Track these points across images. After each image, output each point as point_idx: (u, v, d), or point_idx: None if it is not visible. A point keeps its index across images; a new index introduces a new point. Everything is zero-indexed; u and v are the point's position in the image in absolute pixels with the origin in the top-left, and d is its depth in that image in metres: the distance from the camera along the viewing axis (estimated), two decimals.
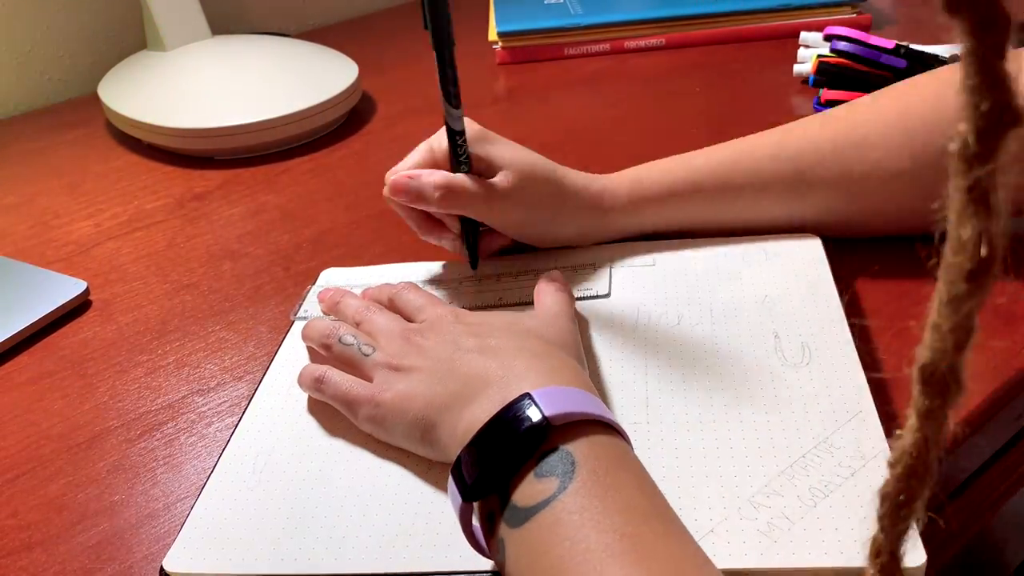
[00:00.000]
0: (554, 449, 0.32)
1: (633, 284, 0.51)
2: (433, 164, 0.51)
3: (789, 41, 0.84)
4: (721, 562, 0.34)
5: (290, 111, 0.74)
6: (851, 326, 0.45)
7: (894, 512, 0.22)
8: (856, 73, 0.71)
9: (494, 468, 0.33)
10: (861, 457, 0.38)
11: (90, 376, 0.51)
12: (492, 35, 0.92)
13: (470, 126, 0.50)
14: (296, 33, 1.05)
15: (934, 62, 0.68)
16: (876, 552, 0.24)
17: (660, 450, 0.40)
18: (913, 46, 0.70)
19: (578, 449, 0.32)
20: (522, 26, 0.90)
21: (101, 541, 0.40)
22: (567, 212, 0.52)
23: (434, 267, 0.56)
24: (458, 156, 0.50)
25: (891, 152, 0.49)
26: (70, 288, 0.57)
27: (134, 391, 0.50)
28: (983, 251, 0.17)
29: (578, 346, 0.43)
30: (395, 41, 1.02)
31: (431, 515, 0.38)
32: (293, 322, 0.52)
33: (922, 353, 0.19)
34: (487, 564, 0.35)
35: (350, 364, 0.44)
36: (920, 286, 0.49)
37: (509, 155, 0.51)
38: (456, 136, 0.49)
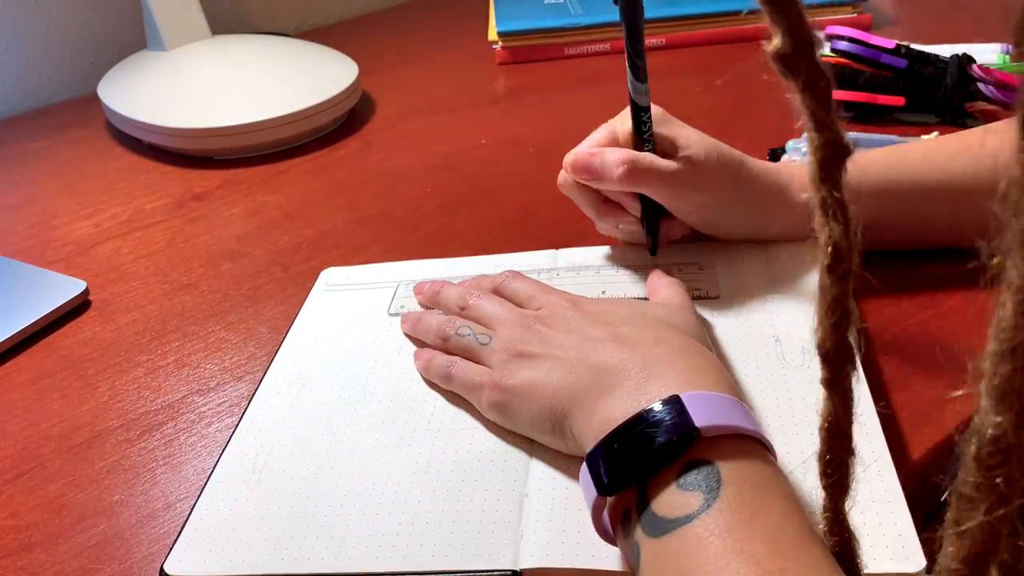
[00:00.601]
0: (699, 461, 0.31)
1: (632, 286, 0.51)
2: (615, 143, 0.49)
3: None
4: None
5: (290, 111, 0.74)
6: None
7: (825, 472, 0.27)
8: (856, 73, 0.71)
9: (634, 468, 0.32)
10: (861, 462, 0.37)
11: (90, 376, 0.51)
12: (492, 35, 0.92)
13: (653, 108, 0.48)
14: (296, 33, 1.05)
15: (935, 62, 0.68)
16: (824, 512, 0.28)
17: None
18: (913, 46, 0.70)
19: (725, 465, 0.31)
20: (522, 26, 0.90)
21: (101, 541, 0.40)
22: (751, 199, 0.50)
23: (439, 265, 0.55)
24: (642, 133, 0.47)
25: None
26: (69, 288, 0.57)
27: (134, 391, 0.50)
28: (832, 251, 0.23)
29: (706, 339, 0.42)
30: (395, 41, 1.02)
31: (431, 514, 0.38)
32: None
33: (815, 336, 0.25)
34: (486, 564, 0.35)
35: (469, 355, 0.43)
36: (919, 291, 0.49)
37: (694, 136, 0.49)
38: (641, 112, 0.47)
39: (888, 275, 0.51)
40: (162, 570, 0.37)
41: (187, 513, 0.40)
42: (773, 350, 0.44)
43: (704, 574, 0.28)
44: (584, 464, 0.34)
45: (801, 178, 0.50)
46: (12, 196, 0.74)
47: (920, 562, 0.32)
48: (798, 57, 0.22)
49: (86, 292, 0.58)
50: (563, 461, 0.39)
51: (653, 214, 0.50)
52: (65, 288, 0.57)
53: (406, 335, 0.49)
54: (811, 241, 0.54)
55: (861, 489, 0.36)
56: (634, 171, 0.46)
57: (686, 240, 0.53)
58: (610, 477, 0.32)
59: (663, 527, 0.30)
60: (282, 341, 0.51)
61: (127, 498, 0.42)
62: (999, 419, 0.19)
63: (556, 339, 0.41)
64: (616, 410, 0.35)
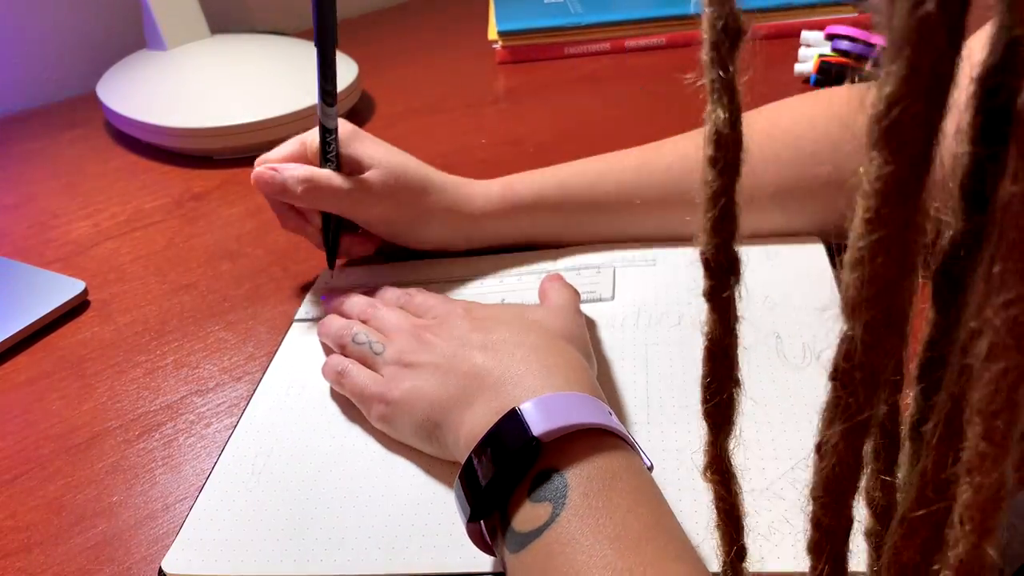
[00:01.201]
0: (548, 470, 0.32)
1: (634, 283, 0.51)
2: (303, 158, 0.52)
3: (790, 40, 0.83)
4: (721, 565, 0.34)
5: (290, 111, 0.74)
6: None
7: (705, 398, 0.25)
8: (857, 72, 0.71)
9: (490, 489, 0.33)
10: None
11: (88, 376, 0.51)
12: (492, 34, 0.92)
13: (343, 125, 0.52)
14: (296, 33, 1.04)
15: None
16: (705, 446, 0.26)
17: (660, 451, 0.40)
18: None
19: (571, 470, 0.32)
20: (522, 25, 0.90)
21: (100, 542, 0.40)
22: (434, 212, 0.53)
23: (433, 267, 0.55)
24: (326, 153, 0.51)
25: (756, 170, 0.49)
26: (68, 288, 0.57)
27: (133, 392, 0.50)
28: (715, 139, 0.21)
29: (585, 339, 0.43)
30: (395, 41, 1.02)
31: (430, 516, 0.38)
32: (292, 323, 0.52)
33: (698, 240, 0.23)
34: (486, 565, 0.35)
35: (364, 362, 0.44)
36: (919, 290, 0.49)
37: (379, 154, 0.52)
38: (327, 133, 0.51)
39: None
40: (160, 569, 0.37)
41: (186, 514, 0.39)
42: (773, 348, 0.44)
43: None
44: (456, 484, 0.35)
45: (487, 193, 0.54)
46: (11, 196, 0.74)
47: None
48: None
49: (85, 292, 0.58)
50: None
51: (333, 228, 0.53)
52: (64, 288, 0.57)
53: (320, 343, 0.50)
54: (811, 241, 0.53)
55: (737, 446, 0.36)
56: (313, 189, 0.50)
57: (369, 253, 0.56)
58: (473, 506, 0.33)
59: (520, 542, 0.31)
60: (281, 342, 0.51)
61: (126, 499, 0.42)
62: (849, 332, 0.19)
63: (438, 347, 0.41)
64: (476, 424, 0.36)
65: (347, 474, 0.41)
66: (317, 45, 0.49)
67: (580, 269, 0.53)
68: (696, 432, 0.40)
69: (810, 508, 0.22)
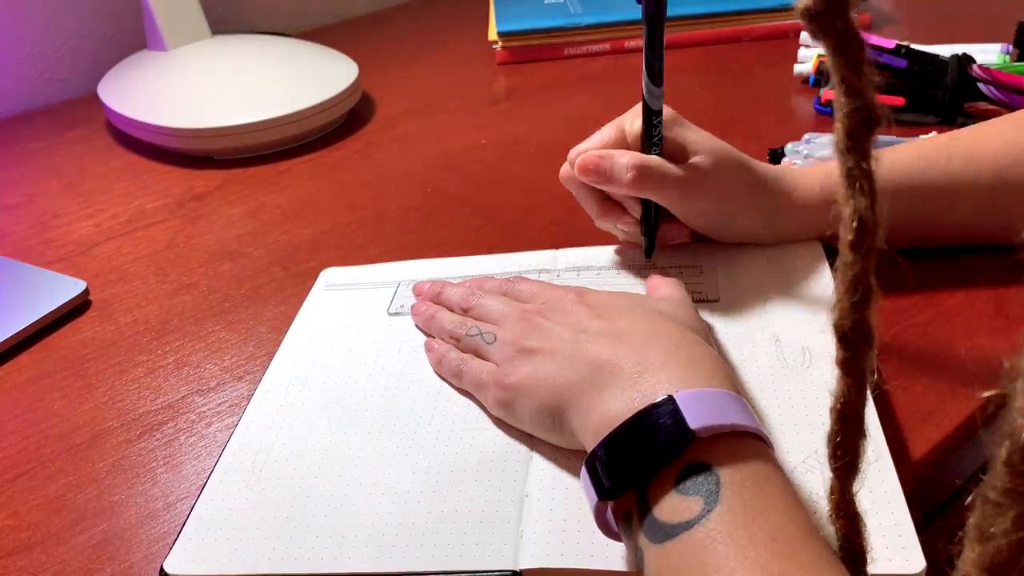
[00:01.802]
0: (698, 464, 0.31)
1: (632, 288, 0.51)
2: (623, 144, 0.49)
3: (789, 41, 0.84)
4: None
5: (290, 111, 0.74)
6: None
7: (835, 454, 0.26)
8: None
9: (632, 473, 0.32)
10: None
11: (90, 376, 0.51)
12: (492, 35, 0.92)
13: (665, 110, 0.48)
14: (296, 33, 1.05)
15: (935, 62, 0.68)
16: (830, 494, 0.27)
17: None
18: (913, 46, 0.70)
19: (723, 468, 0.31)
20: (522, 26, 0.90)
21: (101, 541, 0.40)
22: (758, 204, 0.49)
23: (439, 264, 0.55)
24: (652, 137, 0.47)
25: (954, 196, 0.48)
26: (70, 288, 0.57)
27: (134, 391, 0.50)
28: (858, 225, 0.22)
29: (707, 334, 0.42)
30: (395, 41, 1.02)
31: (431, 514, 0.38)
32: (392, 316, 0.51)
33: (833, 315, 0.24)
34: (486, 564, 0.35)
35: (477, 353, 0.44)
36: (919, 290, 0.49)
37: (704, 141, 0.48)
38: (653, 116, 0.47)
39: (888, 274, 0.51)
40: (162, 569, 0.37)
41: (187, 513, 0.40)
42: (774, 351, 0.44)
43: None
44: (584, 467, 0.34)
45: (806, 183, 0.50)
46: (12, 196, 0.74)
47: (920, 563, 0.32)
48: (830, 15, 0.21)
49: (86, 292, 0.58)
50: (563, 461, 0.39)
51: (653, 217, 0.50)
52: (65, 288, 0.57)
53: (417, 327, 0.50)
54: (811, 242, 0.54)
55: (861, 488, 0.36)
56: (644, 176, 0.46)
57: (683, 244, 0.53)
58: (610, 482, 0.32)
59: (665, 532, 0.30)
60: (282, 340, 0.51)
61: (127, 498, 0.42)
62: None
63: (555, 332, 0.41)
64: (611, 408, 0.35)
65: (348, 473, 0.41)
66: (645, 18, 0.44)
67: (682, 268, 0.51)
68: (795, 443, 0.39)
69: None
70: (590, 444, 0.35)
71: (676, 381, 0.34)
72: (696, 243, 0.53)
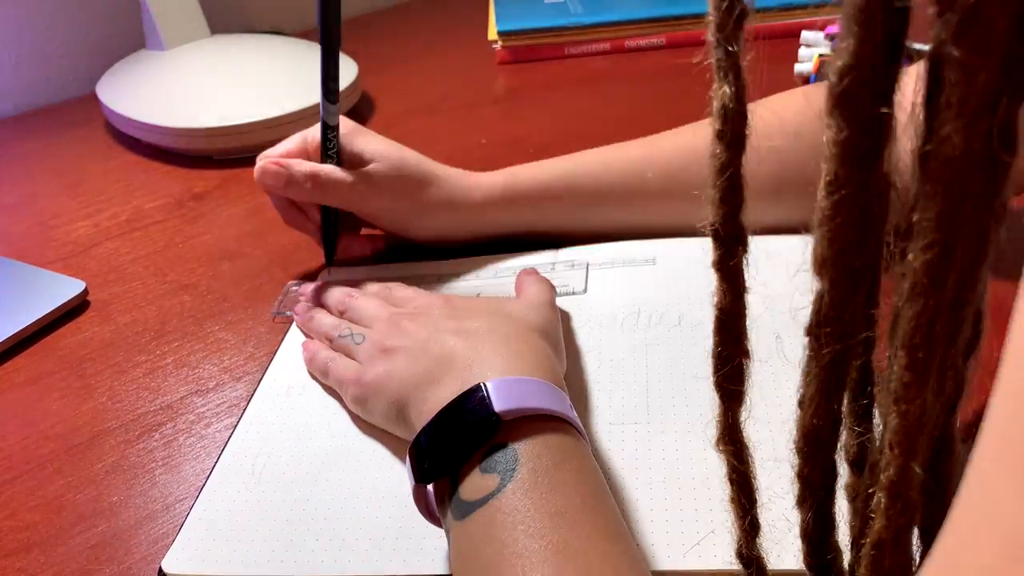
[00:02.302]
0: (500, 444, 0.33)
1: (634, 282, 0.51)
2: (304, 154, 0.54)
3: (790, 40, 0.83)
4: (722, 563, 0.34)
5: (290, 111, 0.74)
6: None
7: (717, 367, 0.26)
8: None
9: (444, 455, 0.34)
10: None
11: (89, 376, 0.51)
12: (492, 34, 0.92)
13: (344, 123, 0.53)
14: (295, 33, 1.04)
15: None
16: (717, 418, 0.26)
17: (660, 451, 0.40)
18: (914, 46, 0.70)
19: (523, 445, 0.33)
20: (522, 25, 0.90)
21: (100, 542, 0.40)
22: (436, 204, 0.54)
23: (426, 265, 0.55)
24: (327, 149, 0.52)
25: (755, 163, 0.49)
26: (68, 288, 0.57)
27: (133, 392, 0.50)
28: (722, 114, 0.22)
29: (558, 334, 0.44)
30: (395, 41, 1.02)
31: None
32: (273, 318, 0.53)
33: (706, 212, 0.24)
34: None
35: (347, 354, 0.45)
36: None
37: (380, 148, 0.53)
38: (329, 130, 0.52)
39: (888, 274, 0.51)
40: (160, 569, 0.37)
41: (186, 513, 0.40)
42: (774, 347, 0.44)
43: (492, 551, 0.30)
44: (407, 453, 0.35)
45: (490, 182, 0.55)
46: (11, 196, 0.74)
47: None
48: None
49: (85, 292, 0.58)
50: None
51: (333, 226, 0.54)
52: (64, 288, 0.57)
53: (298, 327, 0.51)
54: (810, 236, 0.54)
55: None
56: (316, 183, 0.51)
57: (366, 255, 0.57)
58: (425, 466, 0.34)
59: (466, 509, 0.32)
60: (281, 342, 0.51)
61: (126, 499, 0.42)
62: (819, 289, 0.21)
63: (413, 332, 0.42)
64: (441, 400, 0.36)
65: (347, 474, 0.41)
66: (322, 42, 0.50)
67: (555, 264, 0.53)
68: (696, 432, 0.40)
69: (794, 462, 0.23)
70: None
71: (497, 372, 0.36)
72: (691, 239, 0.53)
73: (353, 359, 0.44)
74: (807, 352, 0.21)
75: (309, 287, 0.53)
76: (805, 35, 0.81)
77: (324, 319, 0.49)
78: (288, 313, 0.53)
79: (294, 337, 0.51)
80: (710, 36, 0.22)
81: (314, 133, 0.53)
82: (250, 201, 0.69)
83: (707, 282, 0.49)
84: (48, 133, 0.85)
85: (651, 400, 0.43)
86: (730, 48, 0.22)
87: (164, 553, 0.38)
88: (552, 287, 0.47)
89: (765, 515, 0.36)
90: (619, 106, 0.79)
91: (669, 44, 0.90)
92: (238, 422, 0.45)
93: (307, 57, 0.85)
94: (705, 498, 0.37)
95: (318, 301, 0.51)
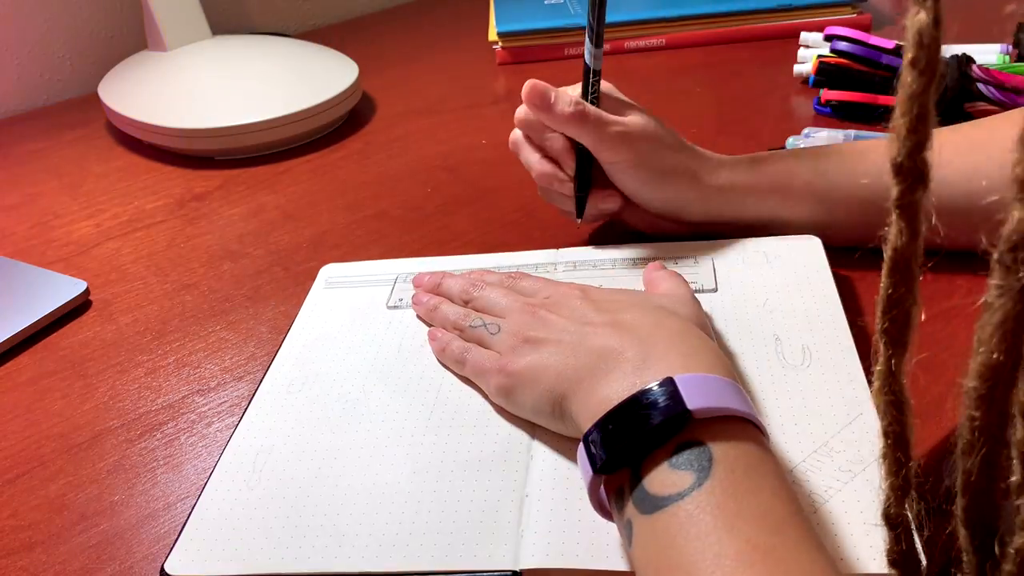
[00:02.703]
0: (692, 442, 0.32)
1: (632, 285, 0.51)
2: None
3: (789, 41, 0.84)
4: None
5: (290, 111, 0.74)
6: (851, 328, 0.45)
7: (886, 311, 0.24)
8: (856, 73, 0.71)
9: (628, 448, 0.33)
10: (860, 461, 0.37)
11: (90, 376, 0.51)
12: (492, 35, 0.92)
13: (606, 84, 0.53)
14: (296, 33, 1.05)
15: None
16: (878, 366, 0.24)
17: None
18: None
19: (716, 446, 0.32)
20: (522, 26, 0.90)
21: (101, 541, 0.40)
22: (683, 171, 0.52)
23: (439, 262, 0.55)
24: (589, 92, 0.52)
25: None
26: (70, 288, 0.57)
27: (134, 391, 0.50)
28: (917, 38, 0.21)
29: (709, 328, 0.43)
30: (395, 41, 1.02)
31: (431, 514, 0.38)
32: (390, 309, 0.52)
33: (890, 148, 0.22)
34: (486, 564, 0.35)
35: (480, 343, 0.45)
36: (920, 290, 0.49)
37: (637, 108, 0.53)
38: (592, 74, 0.51)
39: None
40: (162, 570, 0.37)
41: (187, 513, 0.40)
42: (773, 349, 0.44)
43: (693, 549, 0.29)
44: (581, 444, 0.35)
45: (734, 164, 0.53)
46: (12, 196, 0.74)
47: (920, 561, 0.32)
48: None
49: (87, 292, 0.58)
50: (563, 461, 0.39)
51: (585, 176, 0.53)
52: (66, 288, 0.57)
53: (419, 318, 0.50)
54: (811, 239, 0.54)
55: (861, 487, 0.36)
56: (581, 113, 0.50)
57: (615, 216, 0.55)
58: (606, 456, 0.33)
59: (654, 504, 0.31)
60: (283, 340, 0.51)
61: (127, 498, 0.42)
62: (1019, 212, 0.19)
63: (559, 324, 0.41)
64: (613, 392, 0.35)
65: (348, 472, 0.41)
66: None
67: (678, 259, 0.52)
68: (793, 434, 0.39)
69: (964, 408, 0.21)
70: (588, 426, 0.35)
71: (677, 367, 0.35)
72: (687, 241, 0.53)
73: (488, 348, 0.44)
74: (994, 281, 0.20)
75: (424, 276, 0.52)
76: (804, 36, 0.81)
77: (450, 309, 0.48)
78: (403, 306, 0.51)
79: (296, 335, 0.51)
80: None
81: (573, 88, 0.53)
82: (251, 201, 0.69)
83: (708, 282, 0.49)
84: (50, 133, 0.85)
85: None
86: None
87: (166, 552, 0.38)
88: (686, 281, 0.46)
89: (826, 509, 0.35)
90: None
91: (669, 44, 0.90)
92: (239, 420, 0.45)
93: (308, 58, 0.85)
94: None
95: (438, 291, 0.50)
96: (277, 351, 0.50)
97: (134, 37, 0.94)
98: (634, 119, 0.51)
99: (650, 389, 0.34)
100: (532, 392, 0.40)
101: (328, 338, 0.50)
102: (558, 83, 0.85)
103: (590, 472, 0.34)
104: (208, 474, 0.42)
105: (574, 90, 0.53)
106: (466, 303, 0.48)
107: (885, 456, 0.25)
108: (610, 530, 0.35)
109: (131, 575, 0.39)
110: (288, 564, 0.37)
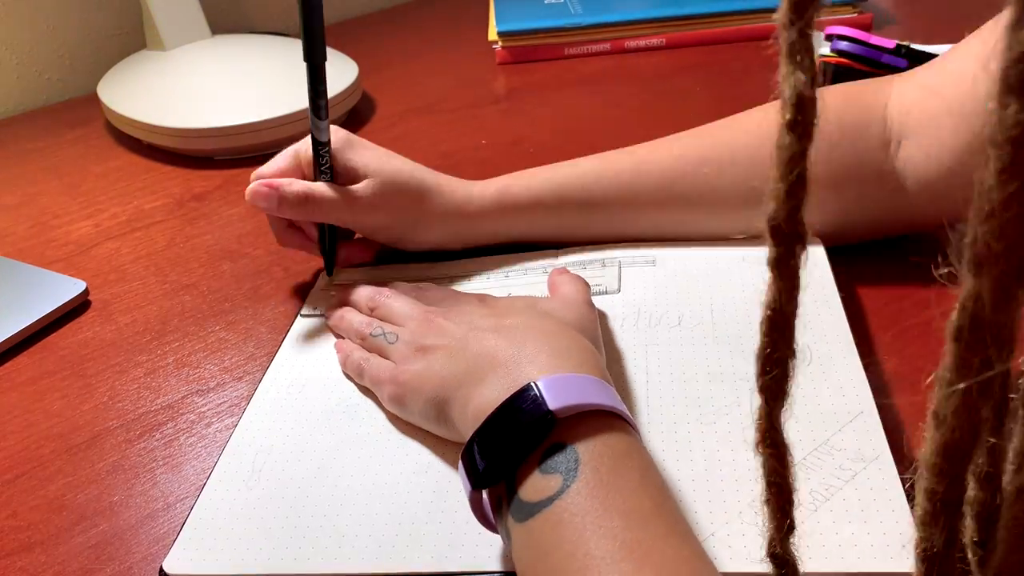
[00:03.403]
0: (560, 444, 0.32)
1: (633, 283, 0.51)
2: (298, 169, 0.53)
3: None
4: (722, 566, 0.34)
5: (290, 111, 0.74)
6: (852, 328, 0.45)
7: (764, 370, 0.24)
8: (857, 73, 0.71)
9: (500, 459, 0.33)
10: (861, 459, 0.37)
11: (89, 376, 0.51)
12: (492, 35, 0.92)
13: (336, 133, 0.52)
14: (296, 34, 1.04)
15: None
16: (758, 419, 0.25)
17: (660, 452, 0.40)
18: (913, 45, 0.70)
19: (583, 445, 0.32)
20: (522, 26, 0.90)
21: (100, 541, 0.40)
22: (430, 216, 0.53)
23: (432, 268, 0.56)
24: (320, 166, 0.51)
25: (751, 171, 0.50)
26: (69, 288, 0.57)
27: (133, 391, 0.50)
28: (796, 102, 0.20)
29: (596, 330, 0.44)
30: (395, 41, 1.02)
31: (431, 514, 0.38)
32: (296, 319, 0.52)
33: (767, 207, 0.22)
34: (488, 564, 0.35)
35: (380, 352, 0.45)
36: (920, 289, 0.49)
37: (373, 162, 0.52)
38: (320, 147, 0.51)
39: (891, 275, 0.51)
40: (162, 570, 0.37)
41: (187, 513, 0.40)
42: None
43: (563, 553, 0.30)
44: (460, 459, 0.35)
45: (482, 192, 0.54)
46: (12, 196, 0.74)
47: None
48: None
49: (86, 292, 0.58)
50: None
51: (328, 239, 0.54)
52: (65, 288, 0.57)
53: (328, 327, 0.51)
54: (810, 239, 0.54)
55: (861, 486, 0.36)
56: (309, 203, 0.50)
57: (367, 260, 0.57)
58: (481, 471, 0.34)
59: (527, 511, 0.32)
60: (282, 341, 0.51)
61: (127, 498, 0.42)
62: (975, 290, 0.19)
63: (448, 330, 0.42)
64: (487, 398, 0.36)
65: (347, 473, 0.41)
66: (306, 59, 0.49)
67: (586, 263, 0.53)
68: (696, 436, 0.40)
69: (923, 480, 0.21)
70: (468, 433, 0.36)
71: (544, 369, 0.36)
72: (692, 242, 0.53)
73: (387, 358, 0.44)
74: (951, 359, 0.20)
75: (340, 287, 0.52)
76: None
77: (355, 318, 0.49)
78: (319, 312, 0.52)
79: (296, 335, 0.51)
80: (781, 16, 0.20)
81: (306, 147, 0.52)
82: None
83: (706, 283, 0.50)
84: (49, 133, 0.85)
85: (651, 400, 0.43)
86: (805, 31, 0.20)
87: (165, 552, 0.38)
88: (587, 285, 0.47)
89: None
90: (619, 106, 0.79)
91: (669, 44, 0.90)
92: (239, 420, 0.45)
93: None
94: (705, 500, 0.37)
95: (348, 300, 0.51)
96: (277, 351, 0.50)
97: (134, 37, 0.94)
98: (369, 184, 0.52)
99: (516, 395, 0.34)
100: (418, 400, 0.41)
101: (328, 339, 0.50)
102: (558, 83, 0.85)
103: (468, 488, 0.34)
104: (207, 474, 0.42)
105: (305, 150, 0.53)
106: (371, 311, 0.48)
107: (768, 503, 0.25)
108: None
109: (130, 575, 0.38)
110: (287, 564, 0.36)
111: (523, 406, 0.34)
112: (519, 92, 0.85)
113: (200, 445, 0.45)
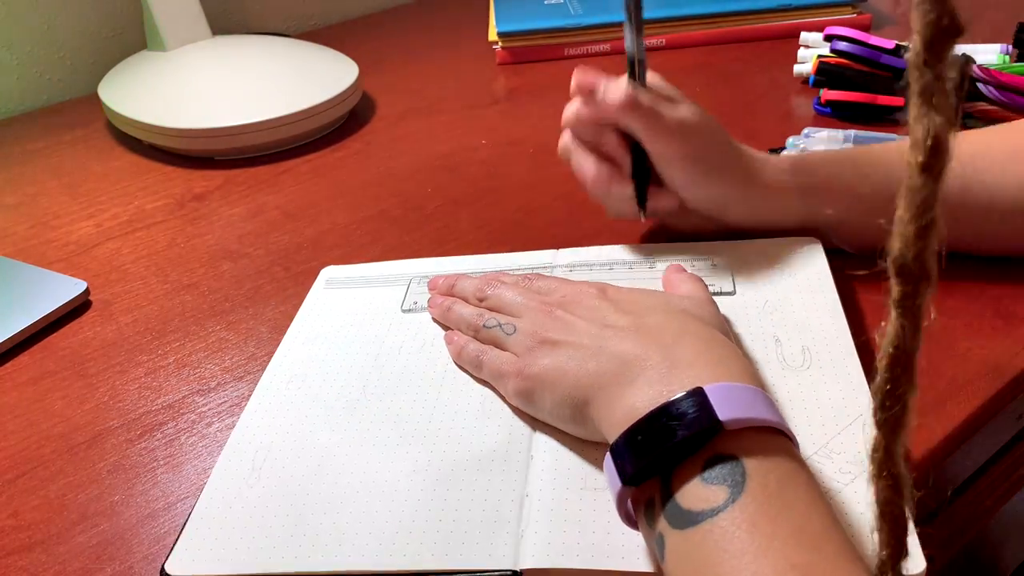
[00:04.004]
0: (724, 455, 0.32)
1: (634, 284, 0.51)
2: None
3: (789, 41, 0.84)
4: None
5: (290, 111, 0.74)
6: (852, 330, 0.45)
7: (884, 405, 0.24)
8: (856, 73, 0.71)
9: (657, 460, 0.32)
10: (860, 462, 0.37)
11: (90, 376, 0.51)
12: (492, 35, 0.92)
13: (653, 74, 0.51)
14: (296, 33, 1.05)
15: None
16: (874, 451, 0.25)
17: None
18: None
19: (749, 459, 0.31)
20: (522, 26, 0.90)
21: (101, 541, 0.40)
22: (734, 165, 0.50)
23: (440, 263, 0.55)
24: (637, 81, 0.49)
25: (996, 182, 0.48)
26: (70, 288, 0.57)
27: (134, 391, 0.50)
28: (932, 145, 0.20)
29: (730, 333, 0.42)
30: (395, 41, 1.02)
31: (431, 513, 0.38)
32: (405, 313, 0.51)
33: (892, 246, 0.22)
34: (486, 564, 0.35)
35: (495, 344, 0.44)
36: None
37: (688, 101, 0.50)
38: (637, 64, 0.50)
39: (886, 275, 0.51)
40: (163, 570, 0.37)
41: (188, 513, 0.40)
42: (773, 350, 0.44)
43: (731, 568, 0.29)
44: (608, 454, 0.34)
45: (777, 164, 0.51)
46: (13, 196, 0.74)
47: (920, 563, 0.32)
48: None
49: (87, 292, 0.58)
50: (563, 460, 0.39)
51: (643, 168, 0.51)
52: (66, 288, 0.57)
53: (434, 320, 0.50)
54: (810, 241, 0.54)
55: (861, 489, 0.36)
56: (634, 101, 0.48)
57: (670, 215, 0.53)
58: (634, 468, 0.33)
59: (688, 520, 0.31)
60: (282, 340, 0.51)
61: (128, 498, 0.42)
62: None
63: (578, 326, 0.41)
64: (639, 401, 0.35)
65: (348, 471, 0.41)
66: None
67: (693, 261, 0.51)
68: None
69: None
70: (614, 435, 0.35)
71: (705, 377, 0.35)
72: (691, 242, 0.53)
73: (505, 350, 0.43)
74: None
75: (439, 279, 0.51)
76: (804, 36, 0.81)
77: (464, 309, 0.47)
78: (418, 309, 0.51)
79: (295, 332, 0.51)
80: (914, 56, 0.20)
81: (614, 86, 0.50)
82: (251, 201, 0.69)
83: (727, 285, 0.49)
84: (50, 133, 0.85)
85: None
86: (942, 72, 0.20)
87: (166, 552, 0.38)
88: (706, 285, 0.46)
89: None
90: None
91: (669, 44, 0.90)
92: (239, 417, 0.45)
93: (308, 58, 0.85)
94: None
95: (452, 292, 0.50)
96: (276, 350, 0.50)
97: (134, 37, 0.94)
98: (687, 111, 0.49)
99: (679, 400, 0.33)
100: (552, 396, 0.40)
101: (328, 337, 0.50)
102: (558, 83, 0.85)
103: (618, 484, 0.33)
104: (208, 474, 0.42)
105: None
106: (480, 301, 0.47)
107: (881, 530, 0.25)
108: (610, 530, 0.35)
109: (131, 575, 0.39)
110: (288, 563, 0.37)
111: (687, 411, 0.33)
112: (519, 92, 0.85)
113: (201, 445, 0.45)
